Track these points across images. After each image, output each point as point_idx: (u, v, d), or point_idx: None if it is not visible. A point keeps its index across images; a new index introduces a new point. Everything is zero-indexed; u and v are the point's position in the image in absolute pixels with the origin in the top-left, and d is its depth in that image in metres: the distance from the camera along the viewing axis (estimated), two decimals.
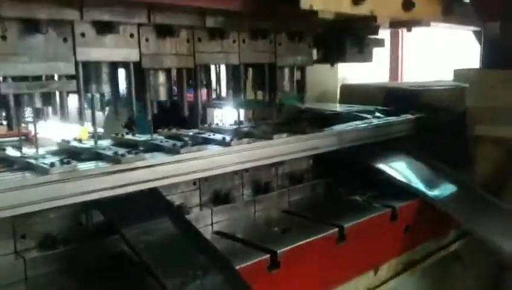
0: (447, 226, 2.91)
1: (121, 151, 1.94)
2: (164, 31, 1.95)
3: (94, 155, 1.96)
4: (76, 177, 1.71)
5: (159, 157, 1.99)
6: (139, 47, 1.91)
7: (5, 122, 1.75)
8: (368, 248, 2.37)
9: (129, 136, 2.32)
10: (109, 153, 1.92)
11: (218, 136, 2.30)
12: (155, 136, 2.35)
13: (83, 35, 1.75)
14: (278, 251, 1.94)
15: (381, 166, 2.89)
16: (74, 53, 1.74)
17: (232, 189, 2.44)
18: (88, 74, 1.85)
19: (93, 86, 1.89)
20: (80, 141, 2.18)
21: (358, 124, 2.86)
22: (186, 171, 2.04)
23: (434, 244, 2.85)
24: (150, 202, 1.95)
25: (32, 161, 1.77)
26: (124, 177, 1.84)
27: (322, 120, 2.88)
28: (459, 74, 3.38)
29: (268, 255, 1.92)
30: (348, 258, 2.25)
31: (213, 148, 2.17)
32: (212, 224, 2.26)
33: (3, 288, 1.65)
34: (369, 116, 3.00)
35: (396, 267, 2.60)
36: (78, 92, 1.80)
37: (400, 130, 3.06)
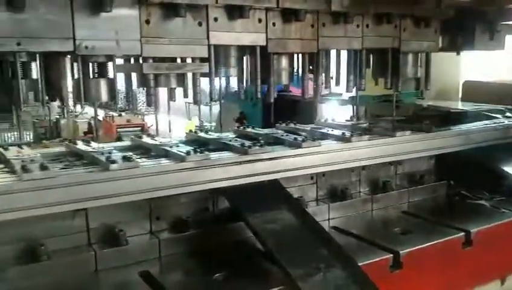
0: None
1: (247, 143, 2.01)
2: (290, 16, 1.97)
3: (222, 145, 2.05)
4: (209, 166, 1.81)
5: (281, 150, 2.03)
6: (266, 32, 1.95)
7: (123, 113, 1.87)
8: (496, 256, 2.22)
9: (250, 129, 2.40)
10: (236, 144, 2.01)
11: (338, 132, 2.29)
12: (275, 130, 2.42)
13: (215, 19, 1.83)
14: (401, 252, 1.89)
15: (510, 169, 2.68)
16: (207, 37, 1.82)
17: (349, 185, 2.43)
18: (218, 58, 1.92)
19: (222, 69, 1.96)
20: (206, 132, 2.29)
21: (487, 123, 2.66)
22: (306, 164, 2.05)
23: None
24: (272, 193, 2.00)
25: (169, 149, 1.90)
26: (252, 167, 1.90)
27: (445, 119, 2.73)
28: None
29: (391, 255, 1.89)
30: (473, 264, 2.13)
31: (333, 143, 2.17)
32: (329, 219, 2.27)
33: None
34: (498, 116, 2.79)
35: None
36: (209, 74, 1.88)
37: None
